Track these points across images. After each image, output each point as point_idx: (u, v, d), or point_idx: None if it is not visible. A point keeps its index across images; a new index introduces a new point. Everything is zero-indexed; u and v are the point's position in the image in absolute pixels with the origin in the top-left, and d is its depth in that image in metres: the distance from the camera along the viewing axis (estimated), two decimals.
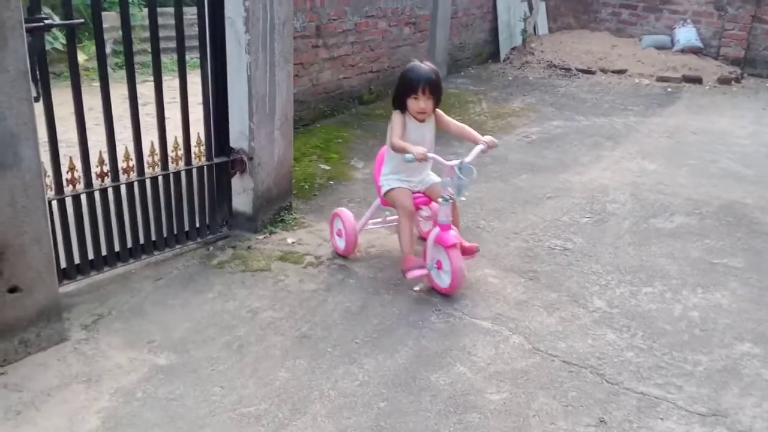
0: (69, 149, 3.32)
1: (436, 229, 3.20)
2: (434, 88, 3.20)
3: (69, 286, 3.13)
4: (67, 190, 3.05)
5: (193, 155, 3.53)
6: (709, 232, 4.00)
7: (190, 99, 3.47)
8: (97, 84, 3.12)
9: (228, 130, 3.66)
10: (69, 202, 3.06)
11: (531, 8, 9.29)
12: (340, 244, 3.57)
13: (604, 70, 8.56)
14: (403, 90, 3.23)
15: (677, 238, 3.92)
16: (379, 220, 3.70)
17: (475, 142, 3.27)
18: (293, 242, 3.75)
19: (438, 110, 3.34)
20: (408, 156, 3.07)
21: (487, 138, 3.29)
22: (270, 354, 2.79)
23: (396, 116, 3.27)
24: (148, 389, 2.54)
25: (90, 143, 3.10)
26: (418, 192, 3.39)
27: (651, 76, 8.32)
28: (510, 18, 9.09)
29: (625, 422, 2.43)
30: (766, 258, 3.69)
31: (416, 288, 3.28)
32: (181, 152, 3.47)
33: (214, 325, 2.97)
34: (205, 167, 3.57)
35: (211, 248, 3.65)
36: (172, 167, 3.44)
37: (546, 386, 2.63)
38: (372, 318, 3.07)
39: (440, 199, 3.16)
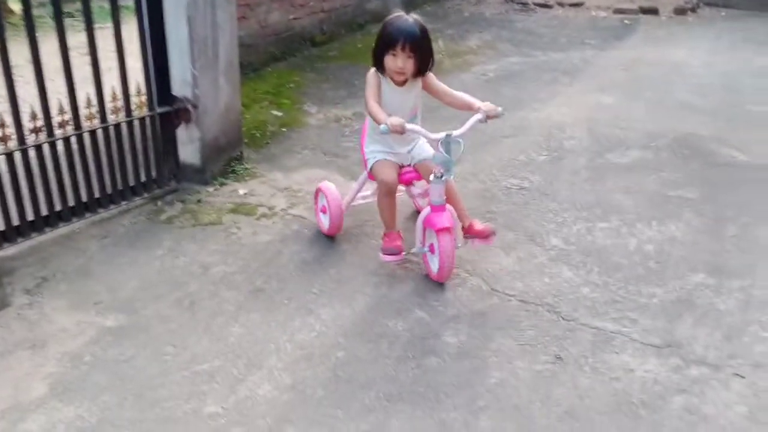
0: None
1: (427, 210, 2.82)
2: (417, 45, 2.71)
3: (9, 250, 3.00)
4: None
5: (133, 106, 3.35)
6: (665, 165, 4.01)
7: (128, 47, 3.27)
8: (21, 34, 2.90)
9: (169, 77, 3.47)
10: (2, 160, 2.89)
11: None
12: (325, 222, 3.20)
13: (561, 4, 8.42)
14: (380, 45, 2.77)
15: (633, 172, 3.91)
16: (369, 193, 3.26)
17: (470, 109, 2.85)
18: (245, 193, 3.64)
19: (429, 74, 2.88)
20: (382, 126, 2.65)
21: (487, 105, 2.80)
22: (223, 309, 2.72)
23: (370, 76, 2.84)
24: (96, 352, 2.46)
25: (21, 99, 2.90)
26: (408, 166, 2.99)
27: (608, 8, 8.22)
28: None
29: (581, 358, 2.44)
30: (721, 189, 3.72)
31: (413, 250, 2.93)
32: (120, 103, 3.29)
33: (164, 283, 2.88)
34: (147, 118, 3.40)
35: (159, 203, 3.52)
36: (111, 119, 3.26)
37: (503, 326, 2.62)
38: (329, 268, 3.01)
39: (432, 177, 2.75)
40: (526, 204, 3.56)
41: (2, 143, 2.89)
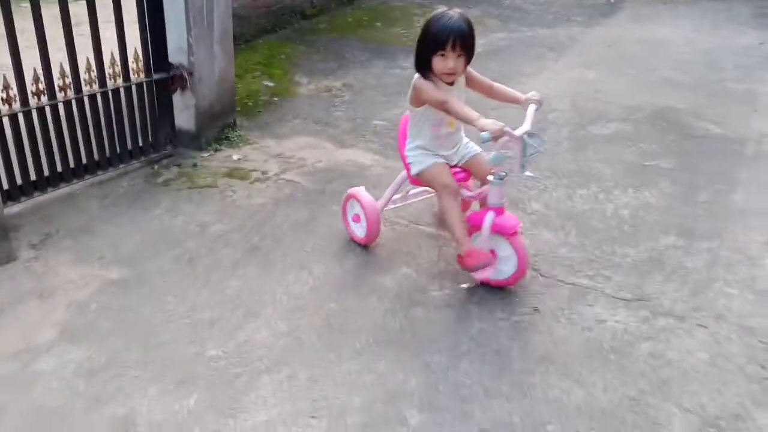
0: (1, 71, 3.21)
1: (491, 214, 2.61)
2: (466, 43, 2.51)
3: (13, 208, 3.12)
4: (3, 109, 2.98)
5: (131, 71, 3.46)
6: (643, 136, 4.18)
7: (126, 17, 3.36)
8: (26, 4, 2.98)
9: (166, 45, 3.58)
10: (6, 121, 3.00)
11: None
12: (359, 231, 2.97)
13: None
14: (426, 46, 2.53)
15: (613, 143, 4.08)
16: (399, 196, 3.06)
17: (515, 102, 2.72)
18: (239, 159, 3.77)
19: (468, 68, 2.69)
20: (484, 134, 2.38)
21: (535, 95, 2.70)
22: (221, 265, 2.86)
23: (421, 82, 2.58)
24: (102, 301, 2.60)
25: (24, 66, 3.01)
26: (455, 166, 2.80)
27: None
28: None
29: (558, 310, 2.62)
30: (695, 159, 3.89)
31: (464, 285, 2.75)
32: (118, 69, 3.39)
33: (163, 240, 3.01)
34: (144, 83, 3.51)
35: (156, 167, 3.64)
36: (110, 84, 3.37)
37: (485, 282, 2.79)
38: (321, 228, 3.16)
39: (492, 178, 2.57)
40: (510, 172, 3.71)
41: (7, 105, 2.99)
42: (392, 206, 3.06)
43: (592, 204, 3.40)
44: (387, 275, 2.83)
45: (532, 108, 2.66)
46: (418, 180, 2.82)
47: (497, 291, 2.72)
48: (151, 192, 3.40)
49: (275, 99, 4.61)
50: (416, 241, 3.06)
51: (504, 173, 2.57)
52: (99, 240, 2.99)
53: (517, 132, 2.50)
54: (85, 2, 3.16)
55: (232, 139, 3.94)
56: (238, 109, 4.20)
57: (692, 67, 5.52)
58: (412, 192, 3.10)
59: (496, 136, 2.40)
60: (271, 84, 4.84)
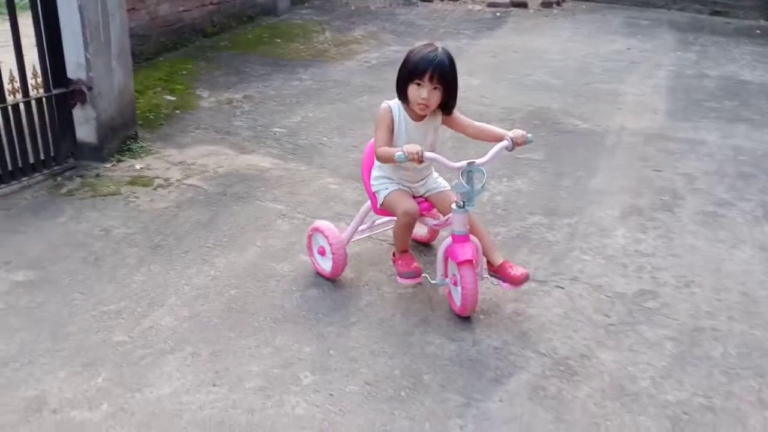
0: None
1: (448, 240, 2.65)
2: (445, 77, 2.54)
3: None
4: None
5: (30, 87, 3.58)
6: None
7: (24, 41, 3.49)
8: None
9: (64, 61, 3.72)
10: None
11: None
12: (325, 265, 2.93)
13: None
14: (404, 73, 2.57)
15: None
16: (365, 227, 3.05)
17: (499, 140, 2.69)
18: (141, 168, 3.94)
19: (455, 112, 2.73)
20: (399, 154, 2.43)
21: (515, 132, 2.67)
22: (126, 263, 3.04)
23: (383, 111, 2.64)
24: (9, 301, 2.73)
25: None
26: (419, 197, 2.82)
27: (482, 2, 8.95)
28: None
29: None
30: (562, 151, 4.37)
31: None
32: (17, 85, 3.51)
33: (69, 245, 3.16)
34: (44, 98, 3.64)
35: (59, 179, 3.76)
36: (9, 100, 3.48)
37: (375, 263, 3.09)
38: (222, 226, 3.38)
39: (454, 206, 2.60)
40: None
41: None
42: (358, 237, 3.05)
43: None
44: (285, 263, 3.08)
45: (501, 144, 2.65)
46: (383, 211, 2.82)
47: (385, 270, 3.03)
48: (54, 202, 3.52)
49: (177, 112, 4.79)
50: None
51: (463, 202, 2.59)
52: (4, 248, 3.09)
53: (456, 164, 2.53)
54: None
55: (134, 150, 4.10)
56: (140, 122, 4.36)
57: (565, 72, 6.10)
58: (378, 222, 3.09)
59: (411, 158, 2.43)
60: (172, 98, 5.02)
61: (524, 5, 8.91)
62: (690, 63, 6.57)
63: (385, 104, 2.68)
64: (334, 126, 4.71)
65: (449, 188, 2.79)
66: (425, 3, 8.94)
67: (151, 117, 4.62)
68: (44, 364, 2.40)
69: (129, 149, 4.09)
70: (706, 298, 2.90)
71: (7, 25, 3.41)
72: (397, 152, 2.45)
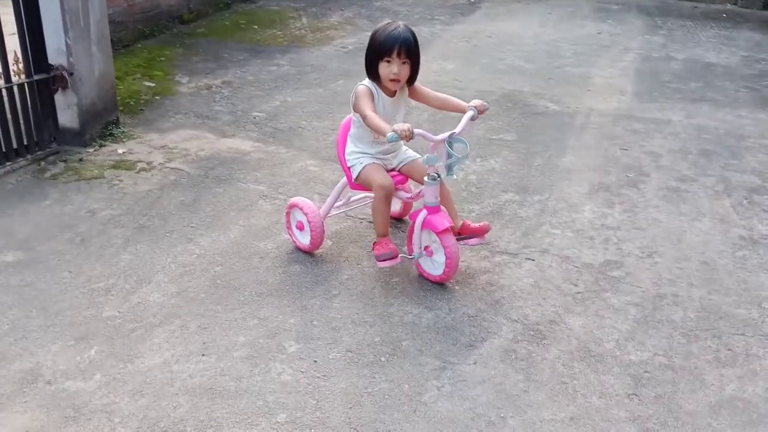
0: None
1: (423, 212, 2.79)
2: (411, 51, 2.71)
3: None
4: None
5: (12, 73, 3.63)
6: (491, 115, 4.77)
7: (4, 20, 3.53)
8: None
9: (45, 47, 3.76)
10: None
11: None
12: (303, 239, 3.07)
13: None
14: (374, 53, 2.72)
15: None
16: (341, 203, 3.19)
17: (460, 110, 2.86)
18: (124, 152, 4.01)
19: (418, 84, 2.89)
20: (391, 135, 2.53)
21: (476, 102, 2.85)
22: (112, 243, 3.13)
23: (360, 90, 2.76)
24: None
25: None
26: (392, 170, 2.95)
27: None
28: None
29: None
30: (533, 132, 4.53)
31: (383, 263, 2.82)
32: None
33: (55, 226, 3.23)
34: (25, 84, 3.69)
35: (42, 163, 3.82)
36: None
37: (354, 240, 3.22)
38: (205, 207, 3.48)
39: (426, 178, 2.76)
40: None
41: None
42: (335, 212, 3.19)
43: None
44: (268, 241, 3.19)
45: (468, 114, 2.80)
46: (358, 185, 2.94)
47: (365, 246, 3.16)
48: (39, 186, 3.59)
49: (157, 98, 4.85)
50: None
51: (437, 174, 2.76)
52: None
53: (439, 136, 2.69)
54: None
55: (116, 135, 4.16)
56: (121, 108, 4.42)
57: (537, 56, 6.25)
58: (354, 198, 3.21)
59: (403, 136, 2.52)
60: (152, 84, 5.07)
61: None
62: (657, 46, 6.76)
63: (362, 85, 2.80)
64: (312, 110, 4.81)
65: (419, 156, 2.94)
66: None
67: (132, 103, 4.67)
68: (37, 339, 2.50)
69: (111, 134, 4.15)
70: (668, 267, 3.08)
71: None
72: (389, 133, 2.54)
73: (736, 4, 8.84)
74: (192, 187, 3.66)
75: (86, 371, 2.36)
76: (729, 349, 2.57)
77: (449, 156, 2.70)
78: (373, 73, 2.77)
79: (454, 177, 2.77)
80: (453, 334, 2.60)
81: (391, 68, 2.70)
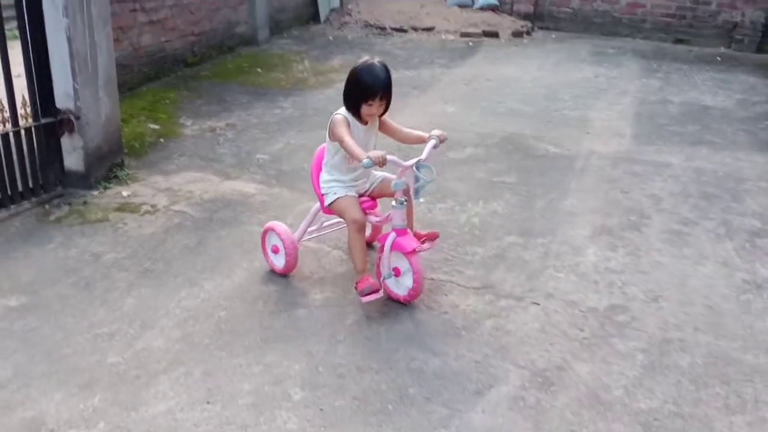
0: None
1: (392, 235, 2.95)
2: (388, 92, 2.94)
3: None
4: None
5: (19, 117, 3.66)
6: (492, 158, 4.82)
7: (14, 69, 3.59)
8: None
9: (53, 91, 3.81)
10: None
11: None
12: (278, 262, 3.24)
13: (415, 28, 9.34)
14: (358, 94, 2.91)
15: (467, 164, 4.69)
16: (315, 227, 3.36)
17: (422, 142, 3.08)
18: (128, 195, 4.02)
19: (386, 118, 3.11)
20: (366, 161, 2.73)
21: (436, 131, 3.09)
22: (116, 287, 3.12)
23: (338, 117, 2.95)
24: (3, 326, 2.79)
25: None
26: (364, 194, 3.15)
27: (455, 32, 9.23)
28: None
29: (419, 301, 3.07)
30: (534, 174, 4.56)
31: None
32: (6, 114, 3.59)
33: (59, 270, 3.23)
34: (32, 128, 3.73)
35: (47, 206, 3.83)
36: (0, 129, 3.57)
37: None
38: (210, 250, 3.48)
39: (394, 203, 2.94)
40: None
41: None
42: (308, 237, 3.34)
43: (449, 215, 3.94)
44: (272, 284, 3.19)
45: (431, 143, 3.03)
46: (330, 210, 3.10)
47: None
48: (44, 229, 3.59)
49: (161, 140, 4.89)
50: (300, 257, 3.44)
51: (404, 198, 2.94)
52: None
53: (407, 162, 2.90)
54: None
55: (121, 178, 4.19)
56: (126, 150, 4.45)
57: (535, 99, 6.35)
58: (326, 223, 3.38)
59: (377, 162, 2.73)
60: (156, 127, 5.12)
61: (495, 35, 9.21)
62: (654, 89, 6.87)
63: (339, 115, 2.98)
64: (314, 152, 4.84)
65: (387, 174, 3.14)
66: (400, 33, 9.19)
67: (137, 145, 4.71)
68: (41, 386, 2.47)
69: (116, 177, 4.17)
70: (673, 312, 3.07)
71: None
72: (365, 159, 2.75)
73: (730, 47, 9.03)
74: (196, 229, 3.67)
75: (90, 420, 2.33)
76: (738, 396, 2.55)
77: (417, 180, 2.90)
78: (353, 109, 2.96)
79: (421, 200, 3.03)
80: (460, 380, 2.58)
81: (372, 110, 2.94)
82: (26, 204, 3.77)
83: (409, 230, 3.00)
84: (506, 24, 9.59)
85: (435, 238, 3.11)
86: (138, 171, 4.34)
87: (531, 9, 9.99)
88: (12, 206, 3.69)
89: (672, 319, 3.02)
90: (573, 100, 6.34)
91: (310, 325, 2.90)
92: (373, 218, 3.16)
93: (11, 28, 3.65)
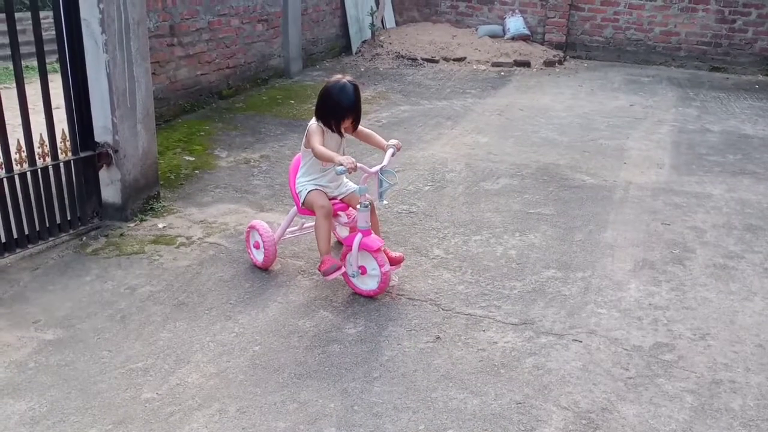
0: None
1: (359, 236, 3.23)
2: (358, 109, 3.25)
3: None
4: None
5: (59, 151, 3.72)
6: (528, 188, 4.75)
7: (53, 102, 3.65)
8: None
9: (92, 125, 3.87)
10: None
11: (377, 3, 9.92)
12: (258, 256, 3.56)
13: (446, 59, 9.36)
14: (332, 112, 3.20)
15: (502, 195, 4.63)
16: (296, 228, 3.68)
17: (382, 147, 3.35)
18: (164, 227, 4.04)
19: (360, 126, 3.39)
20: (339, 168, 3.03)
21: (393, 141, 3.37)
22: (151, 320, 3.11)
23: (314, 126, 3.24)
24: (39, 360, 2.79)
25: None
26: (334, 198, 3.41)
27: (487, 62, 9.23)
28: (358, 13, 9.66)
29: (456, 336, 3.01)
30: (572, 205, 4.48)
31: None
32: (47, 148, 3.65)
33: (96, 303, 3.23)
34: (72, 161, 3.78)
35: (84, 238, 3.87)
36: (39, 163, 3.62)
37: (393, 318, 3.16)
38: (244, 283, 3.46)
39: (359, 206, 3.21)
40: (414, 224, 4.17)
41: None
42: (289, 236, 3.66)
43: (484, 247, 3.87)
44: (306, 318, 3.15)
45: (390, 151, 3.33)
46: (305, 210, 3.40)
47: (404, 324, 3.10)
48: (80, 261, 3.62)
49: (196, 172, 4.94)
50: (332, 288, 3.40)
51: (368, 202, 3.22)
52: (33, 307, 3.17)
53: (373, 169, 3.24)
54: (15, 87, 3.45)
55: (156, 210, 4.22)
56: (161, 182, 4.49)
57: (570, 128, 6.27)
58: (307, 225, 3.68)
59: (349, 169, 3.03)
60: (191, 158, 5.17)
61: (527, 64, 9.18)
62: (692, 118, 6.75)
63: (315, 124, 3.27)
64: None
65: (357, 188, 3.33)
66: (431, 63, 9.22)
67: (172, 177, 4.76)
68: (75, 422, 2.45)
69: (152, 209, 4.21)
70: (722, 350, 2.95)
71: (34, 87, 3.56)
72: (337, 167, 3.06)
73: (767, 74, 8.86)
74: (231, 262, 3.66)
75: None
76: None
77: (381, 184, 3.23)
78: (326, 122, 3.25)
79: (385, 202, 3.37)
80: (501, 422, 2.49)
81: (345, 124, 3.25)
82: (64, 236, 3.81)
83: (372, 231, 3.28)
84: (538, 53, 9.56)
85: (400, 263, 3.46)
86: (173, 203, 4.37)
87: (563, 38, 9.96)
88: (50, 238, 3.73)
89: (721, 358, 2.90)
90: (609, 129, 6.25)
91: (344, 361, 2.84)
92: (343, 218, 3.49)
93: (51, 62, 3.73)
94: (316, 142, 3.19)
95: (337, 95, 3.20)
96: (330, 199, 3.37)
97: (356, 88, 3.24)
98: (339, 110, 3.20)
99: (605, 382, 2.73)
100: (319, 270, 3.31)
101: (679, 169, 5.23)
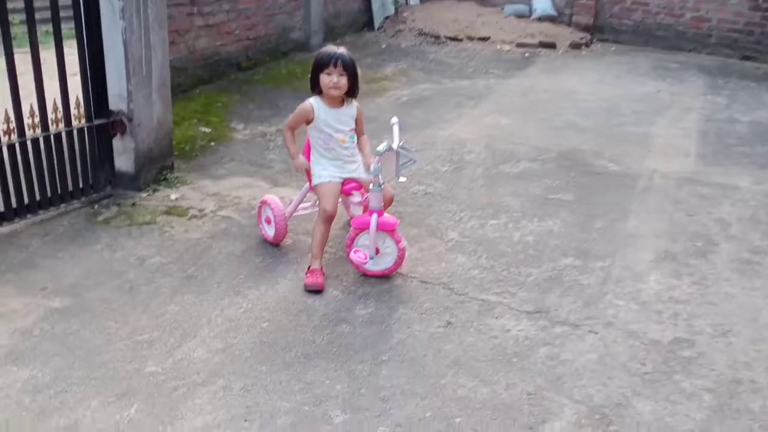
0: None
1: (375, 216, 3.13)
2: (347, 65, 3.09)
3: None
4: None
5: (72, 117, 3.67)
6: (549, 173, 4.63)
7: (68, 69, 3.59)
8: None
9: (106, 93, 3.81)
10: None
11: None
12: (269, 231, 3.50)
13: (470, 38, 9.18)
14: (315, 68, 3.13)
15: (521, 179, 4.51)
16: (308, 204, 3.59)
17: (368, 165, 3.23)
18: (176, 198, 3.99)
19: (361, 114, 3.31)
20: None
21: (395, 119, 3.39)
22: (159, 293, 3.06)
23: (302, 105, 3.19)
24: (45, 327, 2.76)
25: None
26: (351, 178, 3.27)
27: (511, 42, 9.03)
28: None
29: (468, 322, 2.94)
30: (593, 192, 4.36)
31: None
32: (60, 114, 3.60)
33: (104, 272, 3.19)
34: (85, 128, 3.73)
35: (96, 206, 3.83)
36: (52, 129, 3.57)
37: (405, 301, 3.09)
38: (254, 258, 3.40)
39: (372, 186, 3.13)
40: (429, 206, 4.08)
41: None
42: (302, 212, 3.58)
43: (501, 232, 3.77)
44: (316, 297, 3.09)
45: (395, 128, 3.30)
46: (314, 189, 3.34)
47: (416, 307, 3.03)
48: (91, 229, 3.58)
49: (212, 144, 4.87)
50: (343, 267, 3.34)
51: (382, 182, 3.13)
52: (41, 273, 3.14)
53: (393, 145, 3.13)
54: (30, 53, 3.39)
55: (170, 181, 4.16)
56: (176, 153, 4.44)
57: (594, 113, 6.11)
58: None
59: (298, 170, 3.29)
60: (207, 130, 5.11)
61: (553, 46, 8.97)
62: (720, 107, 6.55)
63: (307, 102, 3.20)
64: None
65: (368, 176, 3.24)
66: (454, 42, 9.04)
67: (187, 148, 4.70)
68: (78, 393, 2.42)
69: (165, 179, 4.15)
70: (744, 349, 2.84)
71: (48, 54, 3.50)
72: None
73: None
74: (243, 236, 3.60)
75: (125, 431, 2.26)
76: None
77: (400, 159, 3.13)
78: (316, 86, 3.16)
79: (402, 180, 3.23)
80: (511, 413, 2.42)
81: (331, 78, 3.09)
82: (75, 203, 3.77)
83: (384, 211, 3.21)
84: (564, 35, 9.34)
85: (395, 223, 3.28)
86: (187, 174, 4.31)
87: (590, 21, 9.70)
88: (62, 205, 3.69)
89: (742, 356, 2.79)
90: (634, 116, 6.08)
91: (353, 342, 2.78)
92: (354, 199, 3.35)
93: (67, 27, 3.66)
94: (289, 122, 3.25)
95: (320, 51, 3.18)
96: (346, 179, 3.26)
97: (346, 50, 3.15)
98: (323, 61, 3.09)
99: (621, 376, 2.64)
100: (305, 276, 3.18)
101: (706, 159, 5.07)
